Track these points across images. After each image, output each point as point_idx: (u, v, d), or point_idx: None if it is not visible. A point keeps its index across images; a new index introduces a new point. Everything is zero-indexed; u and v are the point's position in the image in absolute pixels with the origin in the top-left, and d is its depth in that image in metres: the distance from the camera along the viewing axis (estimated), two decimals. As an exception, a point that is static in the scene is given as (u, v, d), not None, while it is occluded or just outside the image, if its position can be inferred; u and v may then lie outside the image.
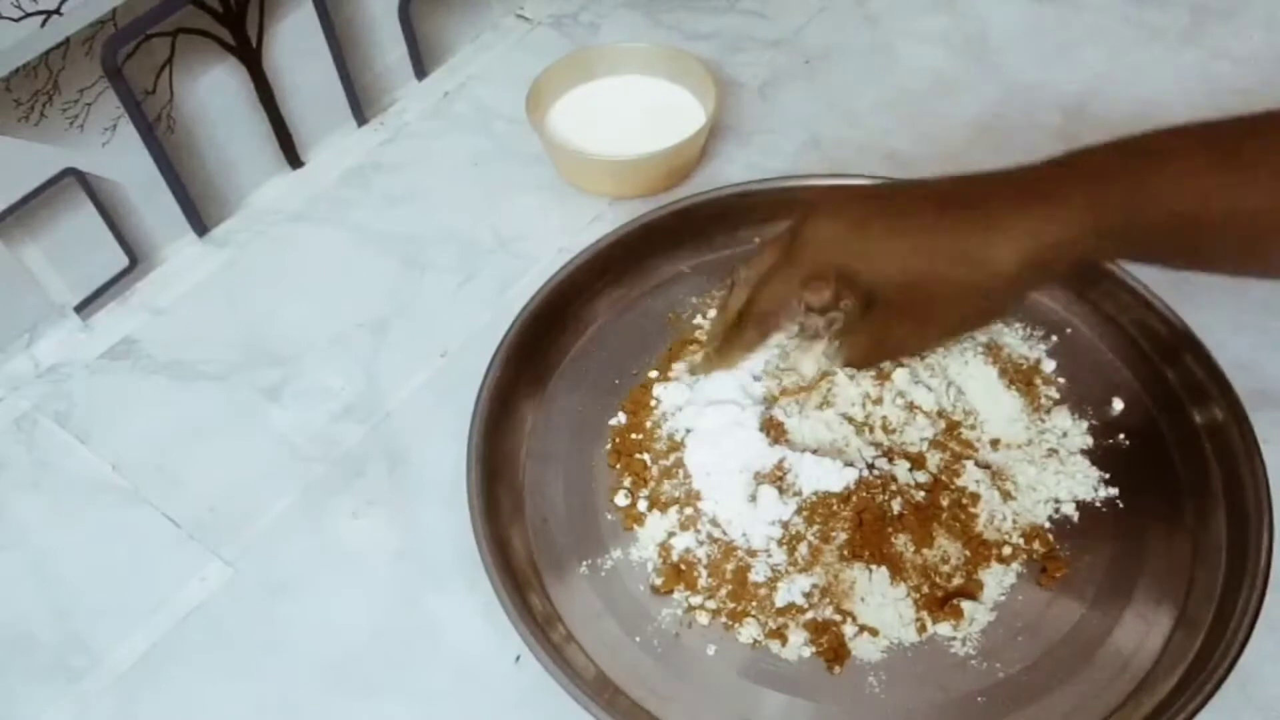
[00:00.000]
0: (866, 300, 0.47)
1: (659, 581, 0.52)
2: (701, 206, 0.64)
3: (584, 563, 0.54)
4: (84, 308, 0.65)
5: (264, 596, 0.54)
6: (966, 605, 0.50)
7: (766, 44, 0.79)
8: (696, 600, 0.52)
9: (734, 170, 0.71)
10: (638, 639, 0.51)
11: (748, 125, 0.74)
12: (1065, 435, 0.56)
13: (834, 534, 0.51)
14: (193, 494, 0.57)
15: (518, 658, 0.50)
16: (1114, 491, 0.54)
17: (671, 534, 0.53)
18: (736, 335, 0.51)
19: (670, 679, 0.50)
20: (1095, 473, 0.55)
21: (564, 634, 0.51)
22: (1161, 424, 0.56)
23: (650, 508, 0.54)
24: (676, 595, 0.52)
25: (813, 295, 0.47)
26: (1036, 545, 0.52)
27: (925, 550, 0.51)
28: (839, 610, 0.50)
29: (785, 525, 0.51)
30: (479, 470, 0.53)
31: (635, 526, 0.54)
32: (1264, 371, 0.57)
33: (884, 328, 0.47)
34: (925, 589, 0.50)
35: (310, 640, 0.52)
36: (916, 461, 0.54)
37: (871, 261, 0.45)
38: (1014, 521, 0.53)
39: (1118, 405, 0.57)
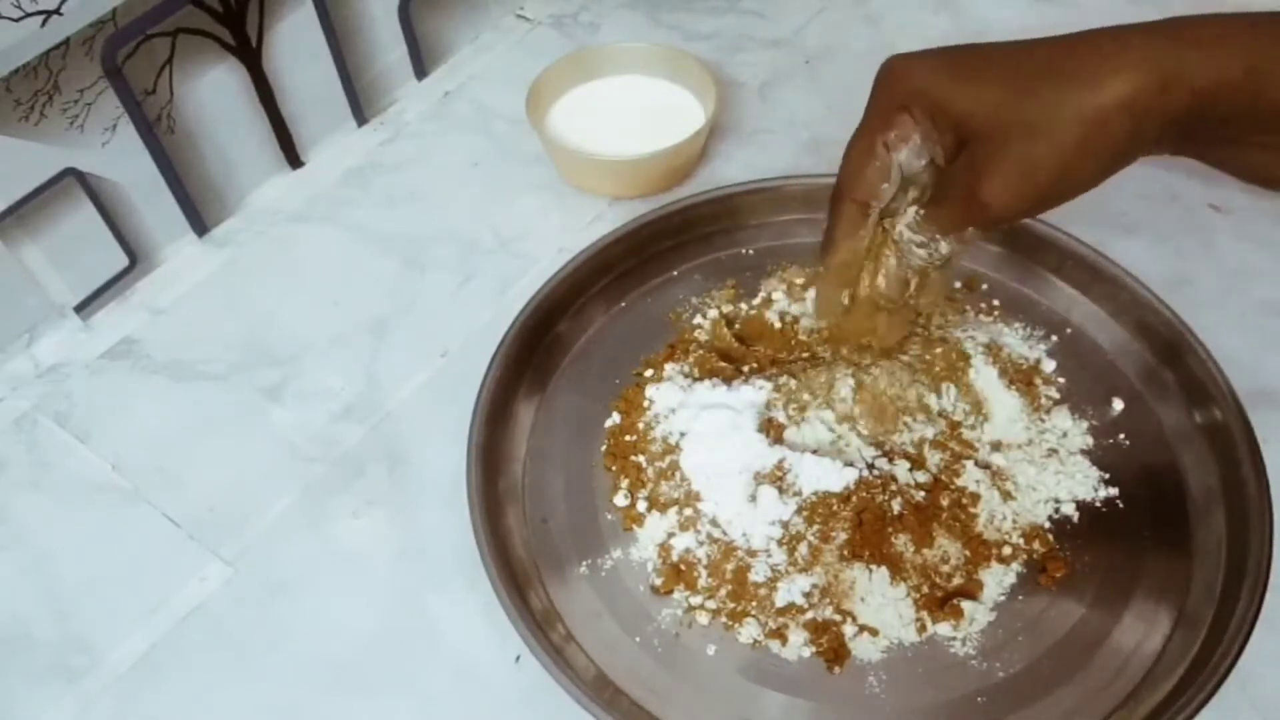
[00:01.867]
0: (958, 141, 0.42)
1: (659, 582, 0.52)
2: (701, 206, 0.64)
3: (584, 563, 0.54)
4: (84, 308, 0.65)
5: (264, 596, 0.54)
6: (966, 605, 0.50)
7: (766, 44, 0.79)
8: (696, 600, 0.52)
9: (734, 170, 0.71)
10: (638, 639, 0.51)
11: (748, 125, 0.74)
12: (1065, 435, 0.56)
13: (834, 534, 0.51)
14: (193, 494, 0.57)
15: (518, 658, 0.50)
16: (1114, 491, 0.54)
17: (671, 534, 0.53)
18: (835, 213, 0.47)
19: (670, 679, 0.50)
20: (1095, 473, 0.55)
21: (564, 634, 0.51)
22: (1161, 424, 0.56)
23: (649, 508, 0.54)
24: (676, 595, 0.52)
25: (899, 133, 0.43)
26: (1036, 545, 0.52)
27: (925, 550, 0.51)
28: (839, 610, 0.50)
29: (785, 525, 0.51)
30: (479, 470, 0.53)
31: (635, 527, 0.54)
32: (1264, 371, 0.57)
33: (980, 175, 0.42)
34: (925, 589, 0.50)
35: (310, 640, 0.52)
36: (916, 462, 0.54)
37: (967, 86, 0.41)
38: (1014, 521, 0.53)
39: (1118, 405, 0.57)
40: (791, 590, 0.50)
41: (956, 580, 0.51)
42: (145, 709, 0.51)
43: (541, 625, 0.50)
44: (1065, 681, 0.49)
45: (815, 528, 0.51)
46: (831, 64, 0.77)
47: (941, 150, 0.44)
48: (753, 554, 0.51)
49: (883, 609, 0.50)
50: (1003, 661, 0.49)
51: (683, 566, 0.52)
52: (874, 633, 0.50)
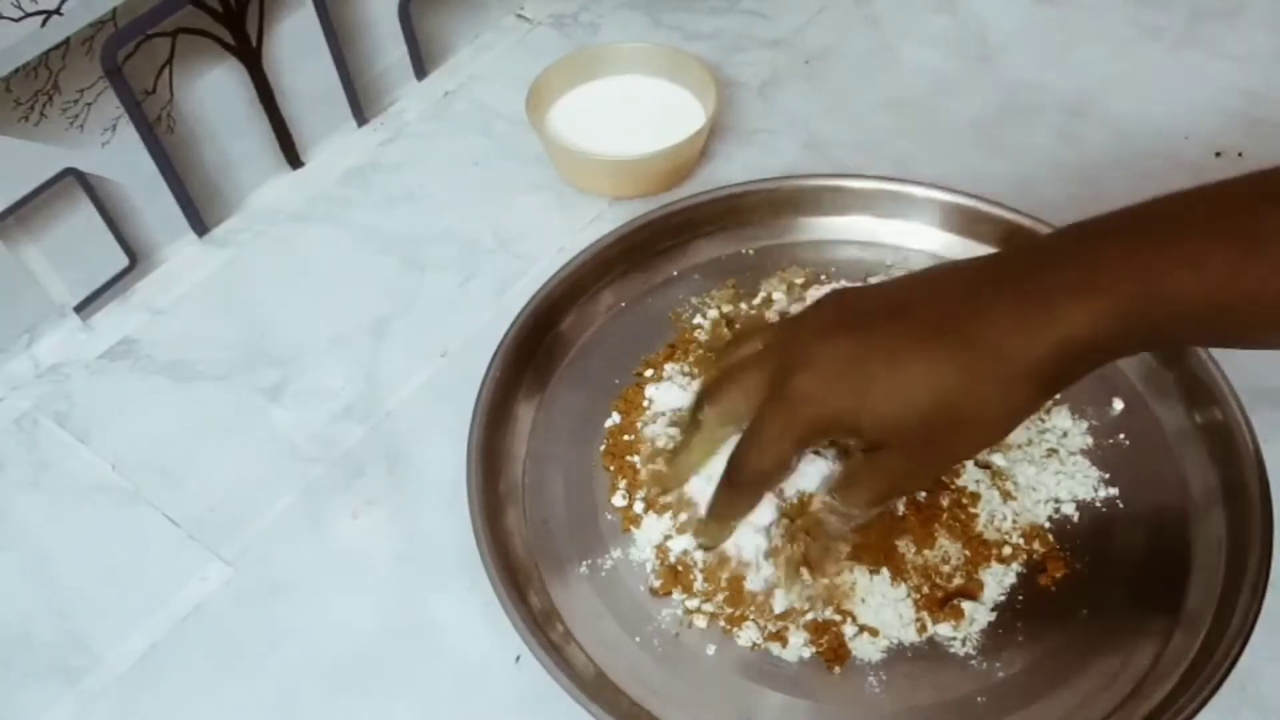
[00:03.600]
0: (873, 446, 0.43)
1: (657, 584, 0.52)
2: (701, 206, 0.64)
3: (584, 563, 0.54)
4: (84, 308, 0.65)
5: (264, 596, 0.54)
6: (966, 605, 0.50)
7: (766, 44, 0.79)
8: (693, 604, 0.52)
9: (734, 170, 0.71)
10: (638, 639, 0.51)
11: (748, 125, 0.74)
12: (1065, 435, 0.56)
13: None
14: (193, 494, 0.57)
15: (518, 658, 0.50)
16: (1114, 491, 0.54)
17: (668, 536, 0.53)
18: (731, 499, 0.48)
19: (670, 679, 0.50)
20: (1095, 473, 0.55)
21: (564, 634, 0.51)
22: (1161, 424, 0.56)
23: (646, 509, 0.54)
24: (675, 596, 0.52)
25: (810, 449, 0.45)
26: (1036, 545, 0.52)
27: (926, 551, 0.51)
28: (839, 610, 0.50)
29: (768, 531, 0.51)
30: (479, 470, 0.53)
31: (633, 528, 0.54)
32: (1264, 371, 0.57)
33: (895, 466, 0.44)
34: (925, 589, 0.50)
35: (310, 640, 0.52)
36: None
37: (875, 409, 0.41)
38: (1014, 521, 0.53)
39: (1118, 405, 0.57)
40: (789, 595, 0.50)
41: (957, 580, 0.51)
42: (145, 709, 0.51)
43: (541, 625, 0.49)
44: (1065, 682, 0.49)
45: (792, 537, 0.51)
46: (831, 64, 0.77)
47: (850, 452, 0.46)
48: (745, 564, 0.51)
49: (883, 609, 0.50)
50: (1003, 661, 0.49)
51: (680, 569, 0.52)
52: (874, 633, 0.50)
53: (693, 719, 0.49)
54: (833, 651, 0.49)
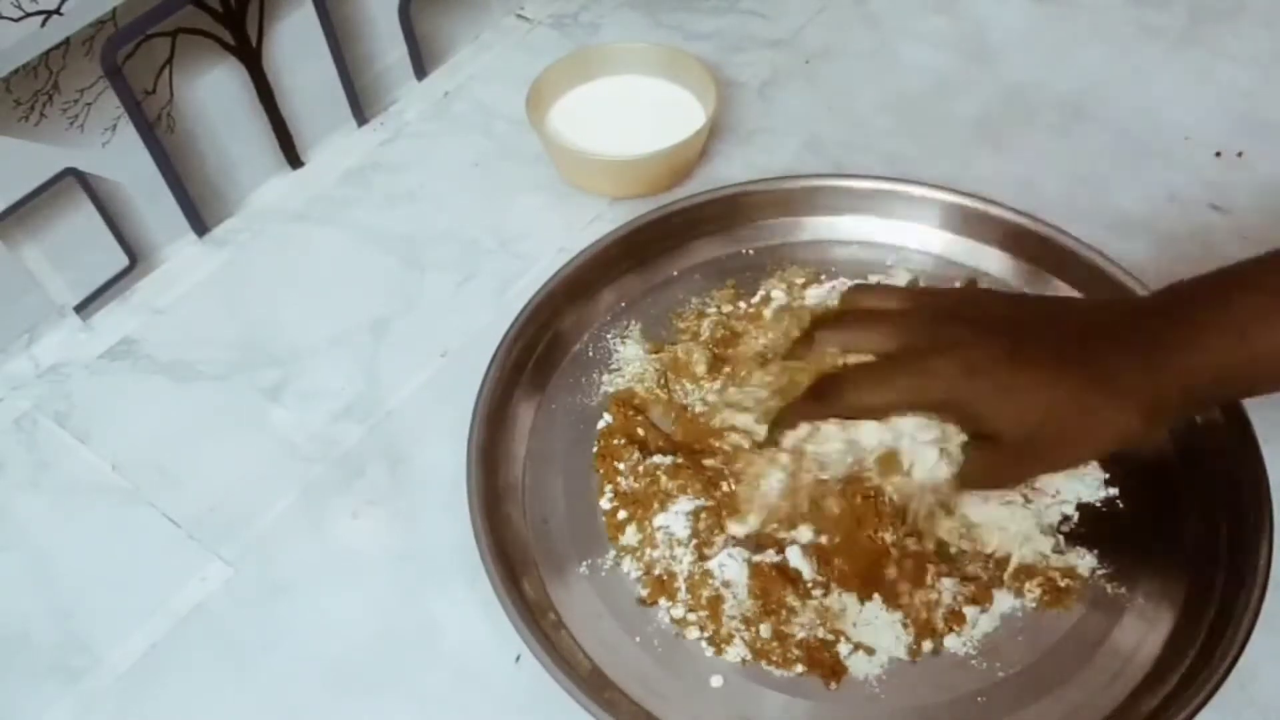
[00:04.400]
0: (984, 438, 0.47)
1: (644, 593, 0.52)
2: (701, 206, 0.64)
3: (584, 563, 0.54)
4: (84, 308, 0.65)
5: (264, 596, 0.54)
6: (969, 611, 0.50)
7: (766, 44, 0.79)
8: (678, 613, 0.51)
9: (734, 170, 0.71)
10: (638, 639, 0.51)
11: (748, 125, 0.74)
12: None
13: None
14: (193, 494, 0.57)
15: (518, 657, 0.50)
16: (1114, 491, 0.54)
17: (649, 547, 0.53)
18: (807, 408, 0.50)
19: (670, 679, 0.50)
20: (1095, 473, 0.55)
21: (564, 634, 0.51)
22: (1161, 424, 0.56)
23: (629, 519, 0.54)
24: (663, 604, 0.52)
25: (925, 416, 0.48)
26: (1036, 583, 0.51)
27: (919, 591, 0.50)
28: (832, 630, 0.50)
29: (748, 561, 0.51)
30: (479, 470, 0.53)
31: (618, 535, 0.54)
32: (1264, 371, 0.57)
33: (994, 461, 0.47)
34: (924, 615, 0.50)
35: (310, 640, 0.52)
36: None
37: (1000, 409, 0.46)
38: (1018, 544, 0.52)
39: (1118, 405, 0.57)
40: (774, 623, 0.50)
41: (958, 606, 0.50)
42: (145, 709, 0.51)
43: (542, 626, 0.49)
44: (1065, 681, 0.49)
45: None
46: (831, 64, 0.77)
47: (961, 450, 0.48)
48: (726, 585, 0.51)
49: (879, 633, 0.50)
50: (1003, 661, 0.49)
51: (665, 578, 0.52)
52: (870, 651, 0.49)
53: (693, 719, 0.49)
54: (828, 668, 0.49)
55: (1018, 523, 0.52)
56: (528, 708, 0.49)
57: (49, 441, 0.60)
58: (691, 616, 0.51)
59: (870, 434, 0.49)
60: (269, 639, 0.52)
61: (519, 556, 0.53)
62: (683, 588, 0.51)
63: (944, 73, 0.76)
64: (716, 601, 0.51)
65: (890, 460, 0.49)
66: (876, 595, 0.50)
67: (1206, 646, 0.48)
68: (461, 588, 0.53)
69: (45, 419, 0.61)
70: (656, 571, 0.52)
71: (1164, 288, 0.47)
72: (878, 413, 0.48)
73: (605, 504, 0.55)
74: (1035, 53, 0.77)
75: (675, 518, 0.53)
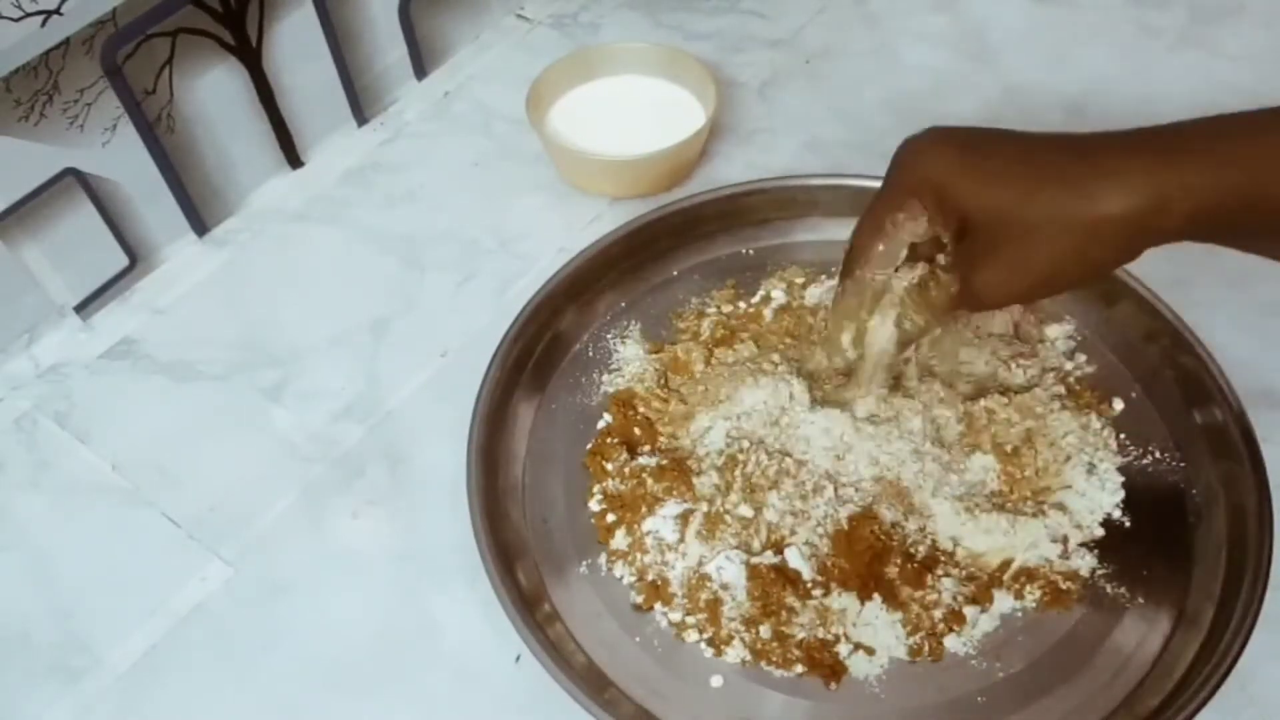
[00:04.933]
0: (960, 229, 0.44)
1: (640, 600, 0.52)
2: (701, 206, 0.64)
3: (584, 563, 0.54)
4: (84, 308, 0.65)
5: (264, 596, 0.54)
6: (969, 610, 0.50)
7: (766, 44, 0.79)
8: (676, 616, 0.51)
9: (734, 170, 0.71)
10: (638, 639, 0.51)
11: (748, 125, 0.74)
12: (1066, 436, 0.56)
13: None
14: (193, 494, 0.57)
15: (518, 658, 0.50)
16: (1119, 496, 0.54)
17: (640, 553, 0.53)
18: (844, 285, 0.50)
19: (670, 679, 0.50)
20: (1113, 476, 0.54)
21: (564, 634, 0.51)
22: (1162, 424, 0.56)
23: (618, 522, 0.54)
24: (659, 609, 0.51)
25: (906, 214, 0.45)
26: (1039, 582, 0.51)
27: (919, 592, 0.50)
28: (832, 631, 0.50)
29: (745, 564, 0.51)
30: (479, 470, 0.53)
31: (609, 539, 0.54)
32: (1264, 371, 0.57)
33: (974, 264, 0.44)
34: (923, 616, 0.50)
35: (310, 640, 0.52)
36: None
37: (972, 182, 0.43)
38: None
39: (1118, 405, 0.57)
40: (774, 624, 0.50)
41: (958, 606, 0.50)
42: (145, 709, 0.51)
43: (541, 625, 0.50)
44: (1065, 681, 0.49)
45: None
46: (831, 64, 0.77)
47: (945, 233, 0.46)
48: (725, 588, 0.51)
49: (880, 633, 0.50)
50: (1003, 661, 0.49)
51: (659, 583, 0.52)
52: (870, 651, 0.50)
53: (693, 719, 0.49)
54: (828, 669, 0.49)
55: (1027, 532, 0.52)
56: (528, 708, 0.49)
57: (49, 441, 0.60)
58: (690, 620, 0.51)
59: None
60: (269, 639, 0.52)
61: (519, 557, 0.53)
62: (679, 592, 0.51)
63: (944, 72, 0.76)
64: (715, 604, 0.51)
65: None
66: (876, 595, 0.50)
67: (1206, 646, 0.48)
68: (461, 588, 0.53)
69: (45, 419, 0.61)
70: (650, 577, 0.52)
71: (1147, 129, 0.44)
72: (876, 229, 0.47)
73: (595, 505, 0.55)
74: (1035, 53, 0.77)
75: (664, 522, 0.53)
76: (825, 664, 0.49)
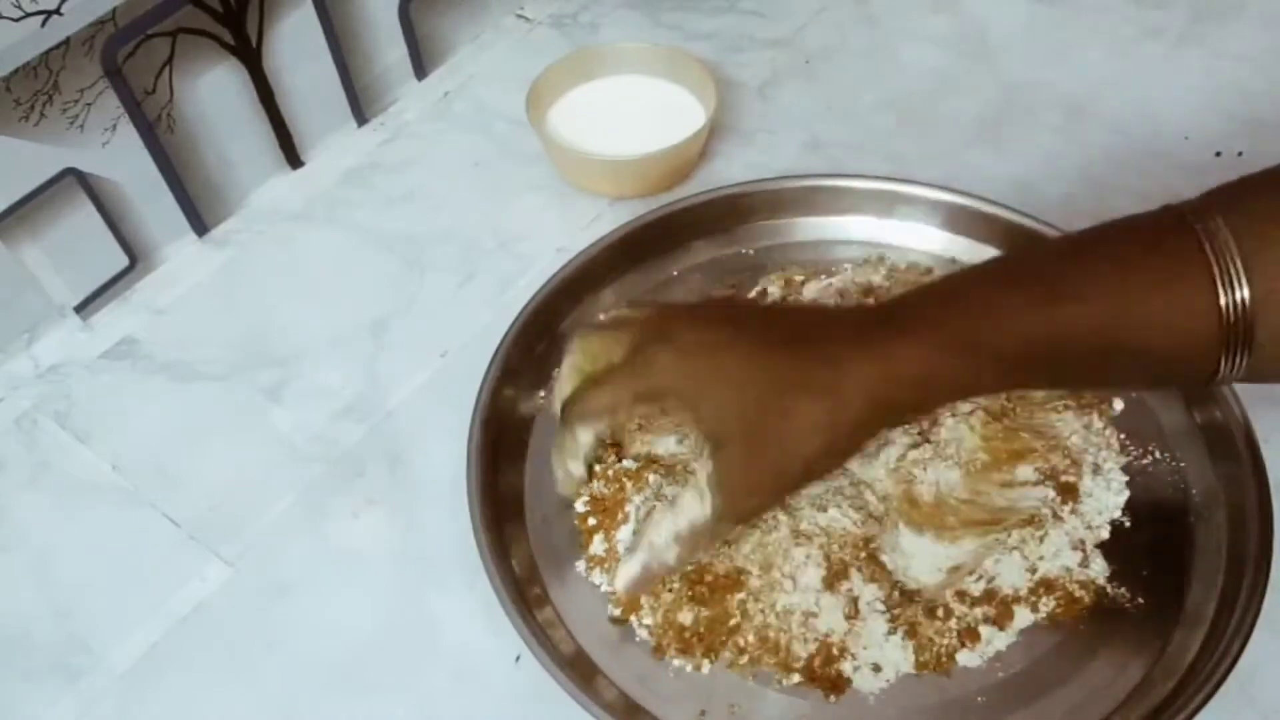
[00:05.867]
0: (712, 439, 0.44)
1: (617, 612, 0.51)
2: (701, 206, 0.64)
3: (584, 563, 0.53)
4: (84, 308, 0.65)
5: (264, 596, 0.54)
6: (985, 629, 0.49)
7: (766, 44, 0.79)
8: (647, 621, 0.50)
9: (734, 170, 0.71)
10: (636, 639, 0.51)
11: (748, 125, 0.74)
12: (1069, 437, 0.56)
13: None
14: (193, 494, 0.57)
15: (518, 658, 0.50)
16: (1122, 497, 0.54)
17: (617, 561, 0.52)
18: (560, 433, 0.49)
19: (670, 679, 0.50)
20: (1118, 475, 0.54)
21: (564, 634, 0.51)
22: (1161, 424, 0.56)
23: (598, 526, 0.53)
24: (634, 622, 0.51)
25: (646, 417, 0.48)
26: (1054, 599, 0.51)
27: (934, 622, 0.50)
28: (840, 650, 0.49)
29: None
30: (479, 470, 0.53)
31: (588, 544, 0.53)
32: (1264, 371, 0.57)
33: (738, 470, 0.44)
34: (940, 643, 0.49)
35: (310, 640, 0.52)
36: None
37: (715, 395, 0.43)
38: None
39: (1118, 405, 0.57)
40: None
41: (974, 625, 0.50)
42: (145, 709, 0.51)
43: (541, 625, 0.49)
44: (1065, 681, 0.49)
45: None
46: (831, 64, 0.77)
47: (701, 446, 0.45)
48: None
49: (888, 650, 0.49)
50: (1003, 661, 0.49)
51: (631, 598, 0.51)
52: (876, 668, 0.49)
53: (692, 719, 0.49)
54: (829, 682, 0.48)
55: (1051, 542, 0.51)
56: (528, 707, 0.49)
57: (49, 441, 0.60)
58: (671, 631, 0.50)
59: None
60: (269, 639, 0.52)
61: (519, 556, 0.53)
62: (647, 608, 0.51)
63: (944, 72, 0.76)
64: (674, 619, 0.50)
65: None
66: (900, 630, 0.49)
67: (1206, 647, 0.48)
68: (461, 588, 0.53)
69: (45, 419, 0.61)
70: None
71: (904, 294, 0.46)
72: (600, 415, 0.47)
73: (580, 507, 0.54)
74: (1035, 53, 0.77)
75: (631, 530, 0.52)
76: (828, 679, 0.48)
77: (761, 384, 0.43)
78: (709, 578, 0.50)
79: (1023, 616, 0.50)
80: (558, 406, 0.49)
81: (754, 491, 0.45)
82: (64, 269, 0.63)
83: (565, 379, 0.49)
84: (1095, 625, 0.50)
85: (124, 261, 0.66)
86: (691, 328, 0.46)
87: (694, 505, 0.44)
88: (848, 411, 0.42)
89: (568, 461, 0.49)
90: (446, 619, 0.52)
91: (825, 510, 0.51)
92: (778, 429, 0.43)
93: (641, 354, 0.45)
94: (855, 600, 0.49)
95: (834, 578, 0.49)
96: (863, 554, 0.50)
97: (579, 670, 0.48)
